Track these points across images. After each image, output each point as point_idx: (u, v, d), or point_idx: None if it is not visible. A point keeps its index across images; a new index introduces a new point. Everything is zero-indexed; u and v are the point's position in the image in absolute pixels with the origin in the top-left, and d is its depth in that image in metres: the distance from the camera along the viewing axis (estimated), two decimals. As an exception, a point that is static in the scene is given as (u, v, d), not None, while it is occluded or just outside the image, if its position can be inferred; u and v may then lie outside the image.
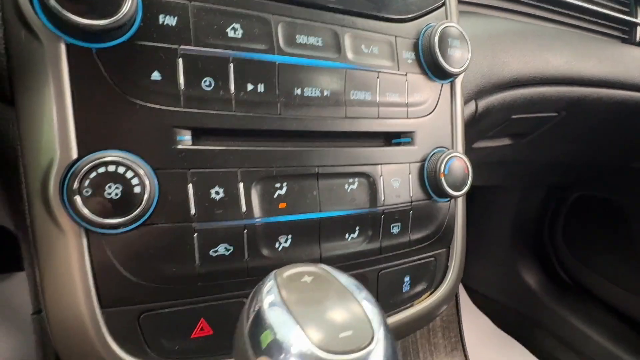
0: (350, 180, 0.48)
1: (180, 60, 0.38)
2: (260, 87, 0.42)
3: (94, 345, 0.36)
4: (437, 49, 0.52)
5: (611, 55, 0.91)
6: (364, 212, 0.48)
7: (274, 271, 0.29)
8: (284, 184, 0.43)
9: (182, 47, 0.38)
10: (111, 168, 0.34)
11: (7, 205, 0.41)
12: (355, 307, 0.25)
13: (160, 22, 0.38)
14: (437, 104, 0.56)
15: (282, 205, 0.43)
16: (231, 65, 0.40)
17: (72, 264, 0.35)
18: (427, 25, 0.54)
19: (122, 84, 0.36)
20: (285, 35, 0.43)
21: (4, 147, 0.37)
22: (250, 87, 0.42)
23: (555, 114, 0.98)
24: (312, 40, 0.45)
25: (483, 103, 0.75)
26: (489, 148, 1.09)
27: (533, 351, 1.72)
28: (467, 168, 0.55)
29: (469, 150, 1.03)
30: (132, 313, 0.38)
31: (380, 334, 0.24)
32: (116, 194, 0.34)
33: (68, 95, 0.35)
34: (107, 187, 0.34)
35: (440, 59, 0.53)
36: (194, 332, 0.40)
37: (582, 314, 1.66)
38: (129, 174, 0.34)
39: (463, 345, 0.64)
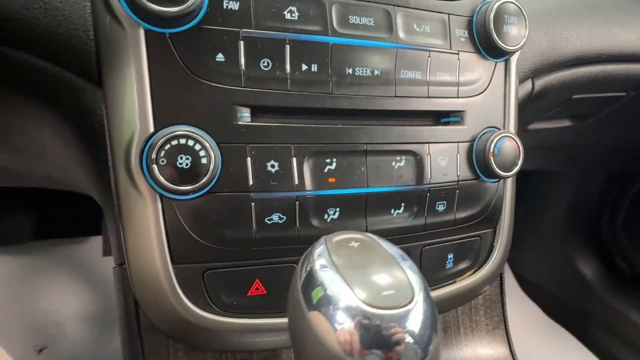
0: (398, 157, 0.49)
1: (241, 43, 0.42)
2: (314, 67, 0.44)
3: (166, 295, 0.42)
4: (492, 26, 0.51)
5: (693, 29, 0.83)
6: (410, 189, 0.50)
7: (324, 237, 0.32)
8: (334, 160, 0.46)
9: (243, 30, 0.42)
10: (182, 141, 0.38)
11: (95, 174, 0.47)
12: (398, 271, 0.27)
13: (225, 7, 0.41)
14: (489, 83, 0.55)
15: (332, 179, 0.46)
16: (287, 47, 0.43)
17: (149, 225, 0.40)
18: (482, 1, 0.53)
19: (191, 65, 0.40)
20: (339, 16, 0.45)
21: (94, 124, 0.43)
22: (304, 67, 0.44)
23: (623, 94, 0.92)
24: (364, 20, 0.47)
25: (541, 82, 0.72)
26: (546, 130, 1.05)
27: (585, 344, 1.66)
28: (519, 149, 0.55)
29: (523, 132, 0.99)
30: (198, 270, 0.43)
31: (420, 297, 0.26)
32: (187, 164, 0.38)
33: (146, 76, 0.39)
34: (179, 157, 0.38)
35: (495, 36, 0.52)
36: (249, 291, 0.45)
37: (642, 309, 1.57)
38: (197, 147, 0.39)
39: (506, 326, 0.64)
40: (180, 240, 0.41)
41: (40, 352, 1.23)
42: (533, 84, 0.71)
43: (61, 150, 0.51)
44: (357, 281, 0.26)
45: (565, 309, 1.76)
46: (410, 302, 0.25)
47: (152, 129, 0.39)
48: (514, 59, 0.57)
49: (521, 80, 0.69)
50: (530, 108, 0.80)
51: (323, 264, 0.28)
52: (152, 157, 0.37)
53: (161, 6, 0.37)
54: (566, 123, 1.03)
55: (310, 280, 0.27)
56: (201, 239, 0.42)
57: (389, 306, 0.25)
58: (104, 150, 0.43)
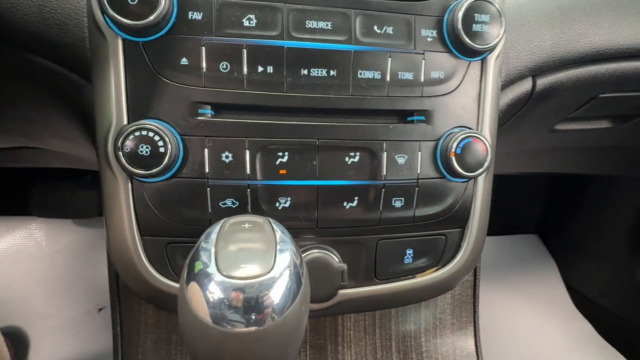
0: (352, 153, 0.52)
1: (203, 48, 0.48)
2: (270, 69, 0.49)
3: (135, 263, 0.50)
4: (459, 25, 0.51)
5: None
6: (364, 184, 0.52)
7: (227, 218, 0.37)
8: (286, 153, 0.50)
9: (205, 37, 0.48)
10: (144, 133, 0.46)
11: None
12: (267, 249, 0.32)
13: (190, 17, 0.47)
14: (461, 82, 0.55)
15: (283, 171, 0.50)
16: (244, 51, 0.48)
17: (121, 202, 0.49)
18: (456, 1, 0.53)
19: (159, 68, 0.48)
20: (295, 22, 0.49)
21: (92, 115, 0.52)
22: (260, 69, 0.49)
23: (668, 93, 0.82)
24: (321, 24, 0.50)
25: (545, 80, 0.68)
26: (582, 131, 0.97)
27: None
28: (486, 149, 0.54)
29: (550, 132, 0.94)
30: (161, 242, 0.50)
31: (276, 272, 0.30)
32: (146, 152, 0.46)
33: (122, 78, 0.47)
34: (140, 146, 0.45)
35: (463, 35, 0.52)
36: (207, 265, 0.51)
37: None
38: (156, 138, 0.46)
39: (475, 326, 0.63)
40: (147, 216, 0.49)
41: (100, 310, 1.44)
42: (534, 82, 0.68)
43: (83, 135, 0.62)
44: (224, 254, 0.31)
45: (623, 330, 1.60)
46: (261, 275, 0.30)
47: (125, 122, 0.47)
48: (491, 58, 0.56)
49: (518, 78, 0.66)
50: (541, 107, 0.76)
51: (208, 241, 0.33)
52: (119, 144, 0.45)
53: (131, 20, 0.44)
54: (605, 124, 0.95)
55: (192, 259, 0.32)
56: (164, 216, 0.49)
57: (242, 276, 0.29)
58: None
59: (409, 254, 0.56)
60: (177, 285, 0.51)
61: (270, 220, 0.37)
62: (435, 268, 0.58)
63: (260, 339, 0.29)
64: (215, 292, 0.29)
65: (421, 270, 0.57)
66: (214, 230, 0.34)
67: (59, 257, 1.54)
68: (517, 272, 1.81)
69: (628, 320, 1.58)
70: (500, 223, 1.86)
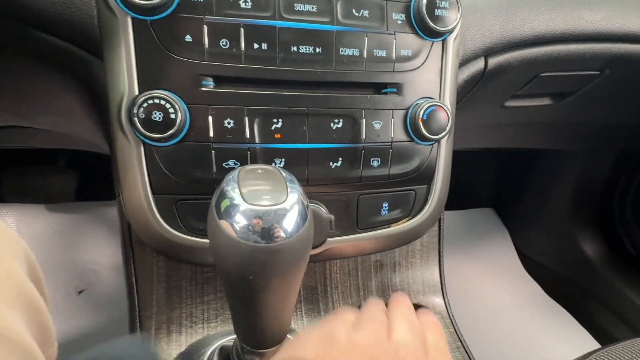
0: (336, 120, 0.60)
1: (205, 27, 0.54)
2: (264, 46, 0.56)
3: (149, 218, 0.56)
4: (424, 10, 0.61)
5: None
6: (346, 147, 0.61)
7: (241, 166, 0.44)
8: (280, 120, 0.58)
9: (206, 17, 0.54)
10: (156, 101, 0.52)
11: (103, 127, 0.62)
12: (280, 186, 0.40)
13: (192, -1, 0.53)
14: (426, 60, 0.65)
15: (278, 135, 0.58)
16: (242, 30, 0.55)
17: (135, 164, 0.54)
18: None
19: (166, 44, 0.53)
20: (285, 4, 0.56)
21: (100, 88, 0.57)
22: (256, 46, 0.56)
23: (596, 72, 0.97)
24: (308, 7, 0.57)
25: (495, 60, 0.80)
26: (528, 107, 1.11)
27: (583, 322, 1.70)
28: (447, 116, 0.64)
29: (501, 109, 1.06)
30: (172, 200, 0.57)
31: (288, 202, 0.38)
32: (159, 118, 0.52)
33: (133, 53, 0.53)
34: (153, 112, 0.52)
35: (427, 19, 0.61)
36: (212, 219, 0.58)
37: (640, 289, 1.59)
38: (168, 105, 0.52)
39: (440, 266, 0.74)
40: (158, 176, 0.55)
41: (80, 293, 1.46)
42: (486, 62, 0.79)
43: (82, 110, 0.67)
44: (248, 191, 0.39)
45: (567, 288, 1.81)
46: (278, 204, 0.38)
47: (136, 92, 0.53)
48: (451, 39, 0.65)
49: (472, 58, 0.77)
50: (492, 84, 0.87)
51: (230, 184, 0.40)
52: (134, 112, 0.51)
53: (142, 0, 0.50)
54: (546, 101, 1.09)
55: (221, 196, 0.40)
56: (174, 176, 0.56)
57: (264, 204, 0.37)
58: (107, 108, 0.57)
59: (385, 207, 0.66)
60: (186, 237, 0.58)
61: (279, 168, 0.45)
62: (407, 219, 0.68)
63: (278, 252, 0.37)
64: (242, 216, 0.37)
65: (395, 220, 0.67)
66: (234, 175, 0.42)
67: (32, 243, 1.53)
68: (473, 242, 1.98)
69: (570, 280, 1.79)
70: (458, 198, 2.02)
